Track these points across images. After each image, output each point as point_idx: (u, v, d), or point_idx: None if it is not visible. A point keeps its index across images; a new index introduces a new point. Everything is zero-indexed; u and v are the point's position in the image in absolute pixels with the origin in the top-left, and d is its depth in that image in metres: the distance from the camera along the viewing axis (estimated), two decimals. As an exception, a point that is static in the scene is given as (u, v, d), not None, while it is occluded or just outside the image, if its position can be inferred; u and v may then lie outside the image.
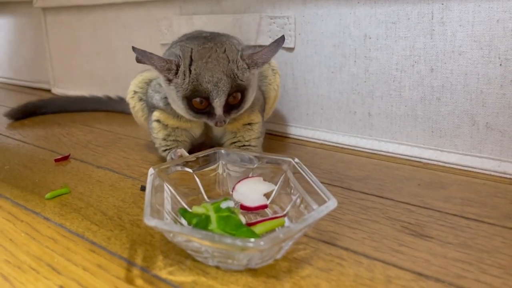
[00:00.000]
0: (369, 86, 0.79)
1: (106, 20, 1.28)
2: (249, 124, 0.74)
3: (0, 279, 0.44)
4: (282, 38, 0.65)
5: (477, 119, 0.69)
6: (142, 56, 0.63)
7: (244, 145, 0.74)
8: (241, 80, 0.64)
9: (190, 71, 0.63)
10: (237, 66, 0.64)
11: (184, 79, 0.64)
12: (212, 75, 0.63)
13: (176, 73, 0.64)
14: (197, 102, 0.64)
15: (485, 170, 0.69)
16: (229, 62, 0.64)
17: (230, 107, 0.65)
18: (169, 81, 0.65)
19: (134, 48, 0.63)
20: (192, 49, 0.65)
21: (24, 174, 0.74)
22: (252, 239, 0.39)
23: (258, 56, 0.65)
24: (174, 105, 0.68)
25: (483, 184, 0.65)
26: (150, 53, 0.63)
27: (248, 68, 0.64)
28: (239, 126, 0.73)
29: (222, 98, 0.63)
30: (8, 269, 0.46)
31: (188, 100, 0.64)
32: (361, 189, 0.64)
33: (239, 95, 0.65)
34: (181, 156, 0.71)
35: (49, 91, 1.58)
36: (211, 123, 0.66)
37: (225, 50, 0.65)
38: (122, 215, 0.58)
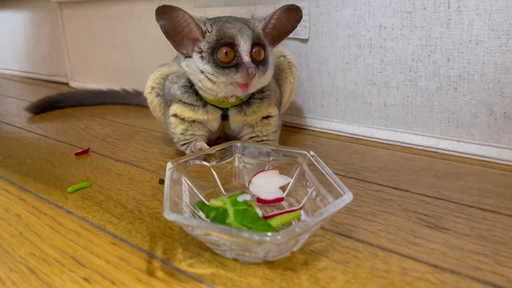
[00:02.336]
0: (385, 77, 0.79)
1: (121, 14, 1.29)
2: (267, 118, 0.74)
3: (27, 272, 0.46)
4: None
5: (494, 109, 0.68)
6: (163, 20, 0.66)
7: (262, 140, 0.75)
8: (259, 35, 0.66)
9: (212, 28, 0.66)
10: (256, 25, 0.67)
11: (210, 36, 0.65)
12: (234, 25, 0.65)
13: (202, 31, 0.66)
14: (223, 54, 0.64)
15: (503, 160, 0.68)
16: (247, 22, 0.67)
17: (256, 62, 0.65)
18: (189, 54, 0.67)
19: (157, 11, 0.65)
20: (212, 18, 0.69)
21: (46, 168, 0.76)
22: (269, 233, 0.40)
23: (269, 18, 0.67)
24: (200, 76, 0.67)
25: (500, 174, 0.65)
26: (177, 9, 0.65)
27: (262, 25, 0.67)
28: (257, 119, 0.74)
29: (247, 42, 0.64)
30: (34, 262, 0.48)
31: (214, 57, 0.65)
32: (377, 180, 0.65)
33: (262, 51, 0.66)
34: (200, 149, 0.72)
35: (66, 84, 1.61)
36: (240, 77, 0.63)
37: (245, 21, 0.68)
38: (142, 208, 0.59)
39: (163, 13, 0.65)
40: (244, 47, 0.64)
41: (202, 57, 0.66)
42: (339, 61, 0.84)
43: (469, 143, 0.72)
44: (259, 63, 0.65)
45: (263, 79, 0.68)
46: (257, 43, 0.65)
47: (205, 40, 0.66)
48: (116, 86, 1.26)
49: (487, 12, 0.66)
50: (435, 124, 0.75)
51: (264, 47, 0.66)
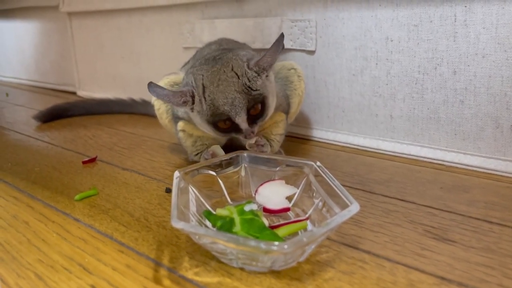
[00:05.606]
0: (391, 89, 0.79)
1: (130, 24, 1.31)
2: (274, 122, 0.77)
3: (35, 278, 0.46)
4: (281, 36, 0.66)
5: (501, 121, 0.68)
6: (158, 96, 0.65)
7: (269, 138, 0.76)
8: (255, 90, 0.65)
9: (205, 98, 0.65)
10: (248, 78, 0.65)
11: (202, 106, 0.66)
12: (226, 97, 0.64)
13: (193, 102, 0.66)
14: (222, 123, 0.66)
15: (509, 173, 0.68)
16: (238, 78, 0.65)
17: (254, 117, 0.67)
18: (191, 109, 0.67)
19: (149, 86, 0.65)
20: (202, 75, 0.66)
21: (54, 176, 0.76)
22: (276, 243, 0.40)
23: (263, 61, 0.65)
24: (202, 127, 0.70)
25: (506, 187, 0.65)
26: (166, 92, 0.65)
27: (258, 75, 0.66)
28: (266, 126, 0.76)
29: (242, 114, 0.65)
30: (42, 269, 0.48)
31: (212, 123, 0.67)
32: (383, 192, 0.65)
33: (259, 106, 0.67)
34: (213, 153, 0.73)
35: (74, 93, 1.62)
36: (241, 137, 0.68)
37: (232, 68, 0.66)
38: (149, 216, 0.59)
39: (151, 86, 0.65)
40: (239, 119, 0.65)
41: (201, 117, 0.67)
42: (346, 73, 0.85)
43: (476, 155, 0.72)
44: (257, 115, 0.67)
45: (265, 121, 0.70)
46: (253, 104, 0.66)
47: (199, 105, 0.66)
48: (123, 96, 1.27)
49: (493, 26, 0.66)
50: (441, 136, 0.75)
51: (262, 100, 0.66)
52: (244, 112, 0.65)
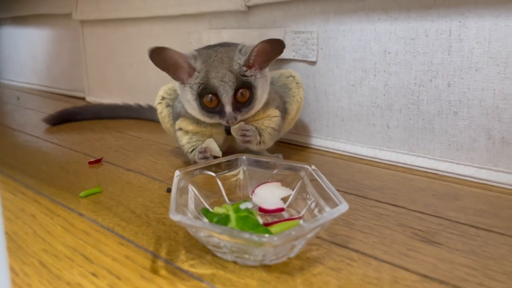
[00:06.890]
0: (388, 100, 0.82)
1: (140, 33, 1.35)
2: (267, 116, 0.79)
3: (38, 265, 0.49)
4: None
5: (493, 133, 0.71)
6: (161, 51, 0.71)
7: (260, 128, 0.77)
8: (244, 76, 0.70)
9: (202, 68, 0.71)
10: (238, 63, 0.71)
11: (195, 79, 0.71)
12: (218, 71, 0.70)
13: (191, 69, 0.72)
14: (208, 100, 0.71)
15: (500, 183, 0.70)
16: (231, 59, 0.71)
17: (240, 105, 0.71)
18: (183, 83, 0.73)
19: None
20: (201, 54, 0.73)
21: (61, 175, 0.79)
22: (267, 235, 0.42)
23: (252, 49, 0.70)
24: (189, 108, 0.75)
25: (497, 197, 0.67)
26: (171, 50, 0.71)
27: (244, 59, 0.71)
28: (258, 119, 0.78)
29: (229, 93, 0.69)
30: (46, 257, 0.51)
31: (200, 99, 0.71)
32: (376, 197, 0.67)
33: (247, 93, 0.71)
34: (207, 148, 0.75)
35: (83, 99, 1.67)
36: (223, 122, 0.72)
37: (228, 51, 0.73)
38: (149, 213, 0.62)
39: (155, 54, 0.71)
40: (226, 98, 0.70)
41: (191, 90, 0.72)
42: (345, 84, 0.87)
43: (468, 166, 0.74)
44: (244, 103, 0.71)
45: (250, 112, 0.74)
46: (241, 87, 0.70)
47: (193, 77, 0.72)
48: (131, 102, 1.31)
49: (486, 41, 0.69)
50: (436, 146, 0.77)
51: (249, 87, 0.71)
52: (231, 91, 0.69)
